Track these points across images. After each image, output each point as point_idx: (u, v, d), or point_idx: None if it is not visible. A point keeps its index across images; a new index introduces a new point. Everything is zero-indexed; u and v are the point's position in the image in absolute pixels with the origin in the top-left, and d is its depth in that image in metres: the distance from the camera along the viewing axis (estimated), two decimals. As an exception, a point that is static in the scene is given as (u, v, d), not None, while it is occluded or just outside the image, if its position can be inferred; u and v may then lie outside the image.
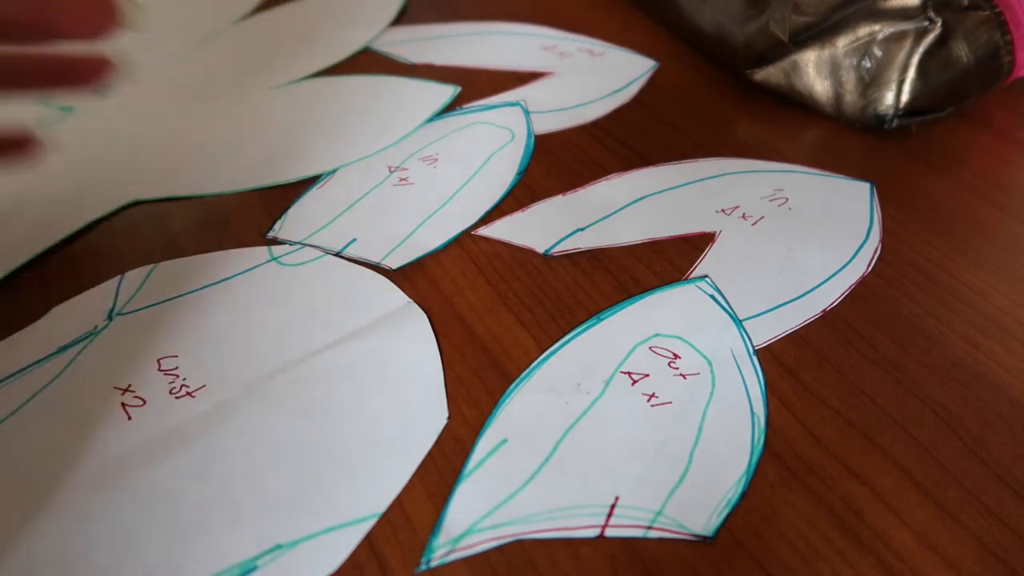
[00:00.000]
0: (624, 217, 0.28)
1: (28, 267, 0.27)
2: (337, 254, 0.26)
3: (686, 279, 0.25)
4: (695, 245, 0.27)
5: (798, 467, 0.20)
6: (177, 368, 0.23)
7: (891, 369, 0.22)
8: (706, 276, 0.25)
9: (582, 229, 0.27)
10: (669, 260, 0.26)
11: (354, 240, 0.27)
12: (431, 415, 0.21)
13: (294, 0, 0.42)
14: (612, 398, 0.22)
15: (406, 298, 0.25)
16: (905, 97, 0.30)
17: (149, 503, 0.20)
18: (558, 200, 0.29)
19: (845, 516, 0.19)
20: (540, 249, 0.27)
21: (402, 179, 0.30)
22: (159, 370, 0.23)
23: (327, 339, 0.23)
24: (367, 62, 0.37)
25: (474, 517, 0.19)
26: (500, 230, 0.27)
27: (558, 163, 0.31)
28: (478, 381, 0.23)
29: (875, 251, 0.26)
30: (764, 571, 0.18)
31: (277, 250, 0.26)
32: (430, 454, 0.21)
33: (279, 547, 0.19)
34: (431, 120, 0.33)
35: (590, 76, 0.35)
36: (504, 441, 0.21)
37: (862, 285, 0.25)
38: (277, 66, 0.37)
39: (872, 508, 0.19)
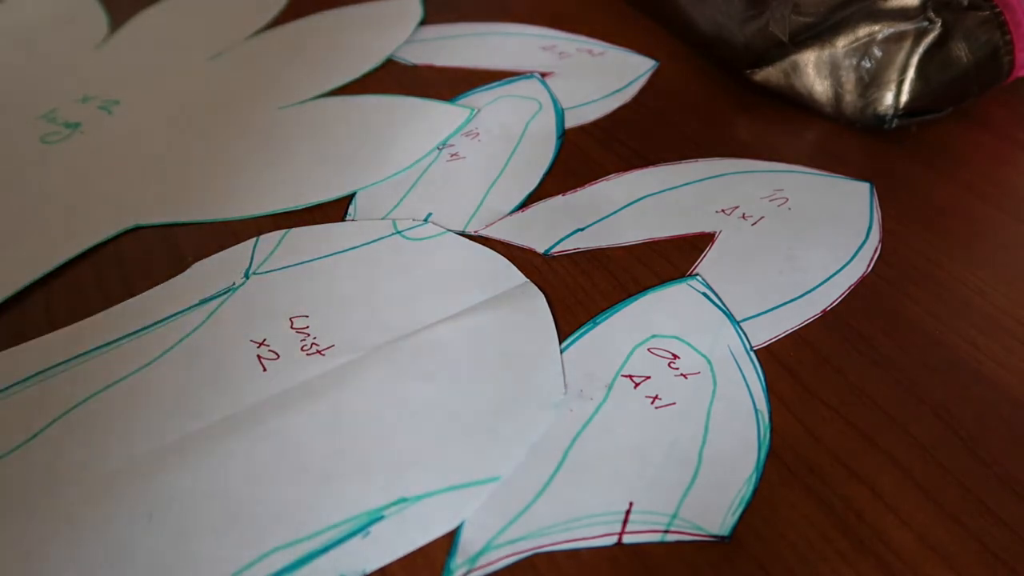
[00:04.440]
0: (624, 217, 0.28)
1: (31, 289, 0.26)
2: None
3: (678, 279, 0.25)
4: (695, 245, 0.27)
5: (798, 467, 0.20)
6: (308, 327, 0.24)
7: (891, 369, 0.23)
8: (697, 274, 0.25)
9: (582, 229, 0.27)
10: (669, 260, 0.26)
11: (430, 214, 0.28)
12: (549, 389, 0.22)
13: (309, 15, 0.41)
14: (616, 402, 0.22)
15: (524, 278, 0.25)
16: (905, 97, 0.30)
17: (282, 449, 0.21)
18: (558, 200, 0.29)
19: (845, 516, 0.19)
20: (540, 249, 0.27)
21: (453, 155, 0.31)
22: (291, 328, 0.24)
23: (449, 310, 0.24)
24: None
25: (490, 533, 0.19)
26: (500, 230, 0.27)
27: (558, 163, 0.31)
28: (478, 381, 0.22)
29: (875, 251, 0.26)
30: (764, 571, 0.18)
31: (401, 224, 0.28)
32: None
33: (404, 500, 0.20)
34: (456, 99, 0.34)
35: (590, 76, 0.36)
36: None
37: (862, 285, 0.25)
38: (289, 84, 0.36)
39: (872, 508, 0.19)
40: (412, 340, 0.23)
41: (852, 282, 0.25)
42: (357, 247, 0.27)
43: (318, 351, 0.23)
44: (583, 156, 0.31)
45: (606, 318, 0.24)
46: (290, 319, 0.24)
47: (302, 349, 0.23)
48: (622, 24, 0.39)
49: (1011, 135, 0.32)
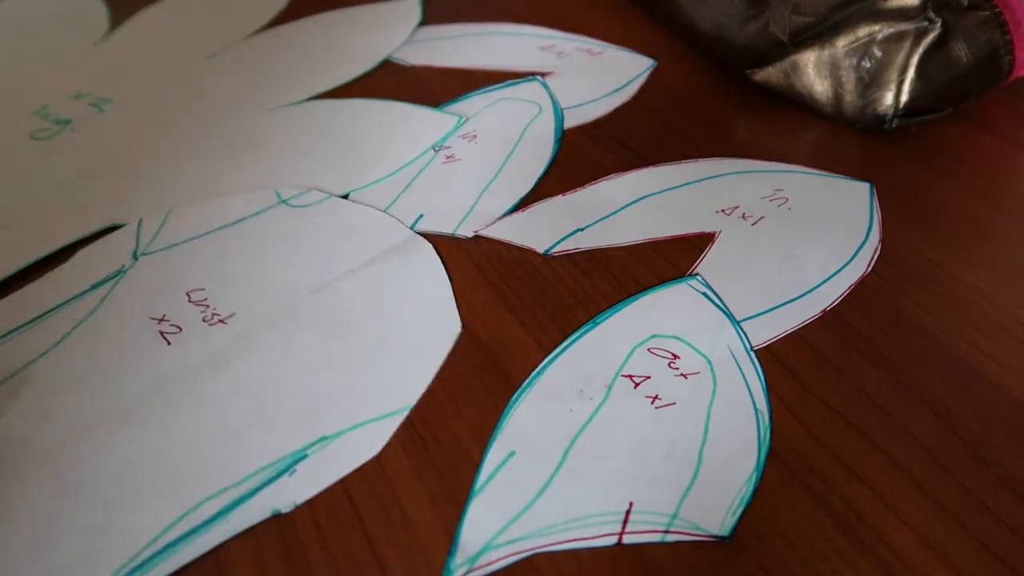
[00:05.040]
0: (624, 217, 0.28)
1: (7, 284, 0.26)
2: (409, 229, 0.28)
3: (678, 279, 0.25)
4: (695, 245, 0.27)
5: (798, 467, 0.20)
6: (206, 299, 0.25)
7: (891, 369, 0.22)
8: (697, 274, 0.25)
9: (582, 229, 0.27)
10: (669, 260, 0.26)
11: (422, 215, 0.28)
12: (445, 324, 0.24)
13: (309, 15, 0.41)
14: (616, 402, 0.22)
15: (410, 231, 0.27)
16: (905, 97, 0.30)
17: (198, 415, 0.21)
18: (558, 200, 0.29)
19: (845, 516, 0.19)
20: (540, 249, 0.27)
21: (448, 157, 0.31)
22: (190, 302, 0.25)
23: (341, 269, 0.26)
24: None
25: (490, 533, 0.19)
26: (500, 230, 0.27)
27: (558, 163, 0.31)
28: (478, 381, 0.23)
29: (875, 251, 0.26)
30: (764, 571, 0.18)
31: (285, 193, 0.28)
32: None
33: (325, 439, 0.21)
34: (458, 100, 0.34)
35: (589, 76, 0.35)
36: (512, 453, 0.20)
37: (862, 285, 0.25)
38: (286, 85, 0.36)
39: (872, 508, 0.19)
40: (312, 298, 0.25)
41: (852, 282, 0.25)
42: (244, 219, 0.28)
43: (220, 320, 0.24)
44: (583, 156, 0.31)
45: (606, 318, 0.24)
46: (187, 293, 0.25)
47: (204, 320, 0.24)
48: (621, 23, 0.39)
49: (1011, 135, 0.32)
